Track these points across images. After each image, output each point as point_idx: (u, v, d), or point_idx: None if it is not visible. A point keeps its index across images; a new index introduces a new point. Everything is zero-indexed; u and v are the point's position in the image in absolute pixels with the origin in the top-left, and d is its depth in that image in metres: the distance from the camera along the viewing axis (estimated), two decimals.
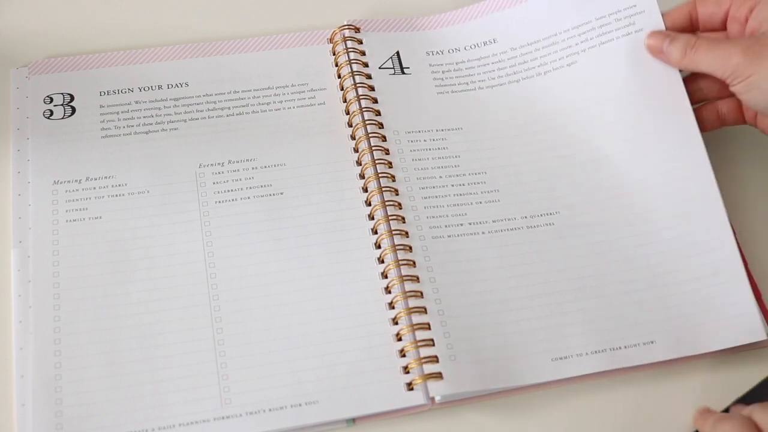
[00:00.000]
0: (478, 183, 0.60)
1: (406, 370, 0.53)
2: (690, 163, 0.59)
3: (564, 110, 0.63)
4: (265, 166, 0.60)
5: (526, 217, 0.59)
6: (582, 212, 0.59)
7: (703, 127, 0.61)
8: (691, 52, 0.58)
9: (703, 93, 0.62)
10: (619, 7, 0.64)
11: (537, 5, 0.66)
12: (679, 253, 0.57)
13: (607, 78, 0.63)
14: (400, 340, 0.54)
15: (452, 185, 0.60)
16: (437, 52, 0.66)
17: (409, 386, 0.53)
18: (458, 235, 0.58)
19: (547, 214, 0.59)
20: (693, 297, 0.56)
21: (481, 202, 0.59)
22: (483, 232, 0.58)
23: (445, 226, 0.58)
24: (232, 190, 0.59)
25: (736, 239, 0.59)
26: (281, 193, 0.59)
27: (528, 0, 0.66)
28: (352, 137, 0.61)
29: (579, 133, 0.62)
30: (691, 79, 0.62)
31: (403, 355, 0.54)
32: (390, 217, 0.58)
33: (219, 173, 0.60)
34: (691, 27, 0.62)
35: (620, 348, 0.54)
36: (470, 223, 0.58)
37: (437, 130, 0.62)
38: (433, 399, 0.53)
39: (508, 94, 0.64)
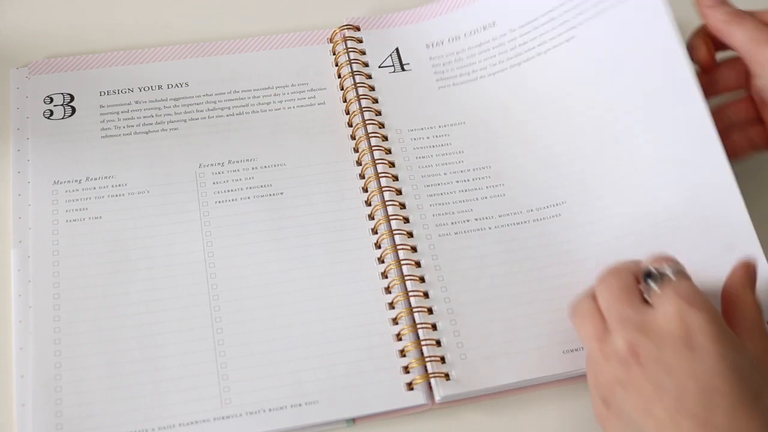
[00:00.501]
0: (483, 177, 0.60)
1: (406, 369, 0.53)
2: (699, 142, 0.57)
3: (565, 90, 0.62)
4: (265, 166, 0.60)
5: (532, 210, 0.59)
6: (589, 199, 0.58)
7: (734, 154, 0.58)
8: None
9: (735, 116, 0.61)
10: None
11: None
12: (688, 235, 0.55)
13: (607, 50, 0.62)
14: (400, 340, 0.54)
15: (457, 181, 0.60)
16: (437, 44, 0.65)
17: (410, 386, 0.53)
18: (465, 232, 0.58)
19: (554, 206, 0.59)
20: (704, 280, 0.53)
21: (486, 197, 0.59)
22: (490, 228, 0.58)
23: (452, 223, 0.58)
24: (232, 190, 0.59)
25: None
26: (281, 193, 0.59)
27: None
28: (353, 137, 0.61)
29: (580, 114, 0.61)
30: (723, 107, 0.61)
31: (404, 355, 0.54)
32: (391, 217, 0.58)
33: (219, 173, 0.60)
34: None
35: None
36: (477, 219, 0.58)
37: (439, 126, 0.62)
38: (433, 399, 0.53)
39: (509, 81, 0.64)
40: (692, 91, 0.58)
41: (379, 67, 0.64)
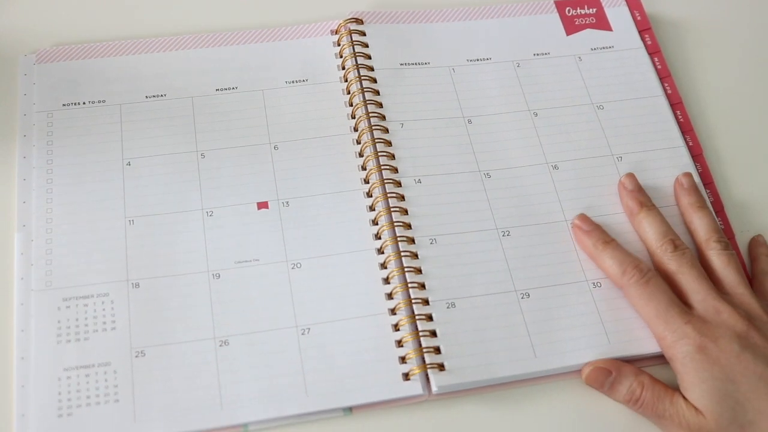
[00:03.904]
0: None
1: (403, 360, 0.54)
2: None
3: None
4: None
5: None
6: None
7: None
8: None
9: None
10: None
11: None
12: None
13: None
14: (397, 330, 0.55)
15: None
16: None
17: (407, 376, 0.53)
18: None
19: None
20: None
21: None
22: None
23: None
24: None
25: (735, 242, 0.60)
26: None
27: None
28: (355, 129, 0.62)
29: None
30: None
31: (401, 345, 0.54)
32: (392, 209, 0.58)
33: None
34: None
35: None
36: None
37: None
38: (430, 389, 0.53)
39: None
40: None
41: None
